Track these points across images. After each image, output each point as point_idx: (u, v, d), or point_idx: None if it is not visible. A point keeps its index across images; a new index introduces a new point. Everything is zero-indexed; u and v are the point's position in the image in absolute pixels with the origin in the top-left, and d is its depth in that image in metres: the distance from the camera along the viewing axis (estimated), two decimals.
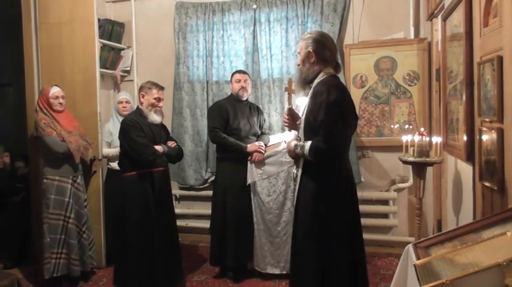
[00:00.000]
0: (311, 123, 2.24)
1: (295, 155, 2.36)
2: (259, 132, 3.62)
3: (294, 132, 2.52)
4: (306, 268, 2.25)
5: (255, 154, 3.35)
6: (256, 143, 3.42)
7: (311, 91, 2.30)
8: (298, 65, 2.41)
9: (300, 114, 2.42)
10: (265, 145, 3.50)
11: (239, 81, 3.51)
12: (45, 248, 3.23)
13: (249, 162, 3.39)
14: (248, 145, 3.37)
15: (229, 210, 3.36)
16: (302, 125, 2.34)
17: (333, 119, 2.14)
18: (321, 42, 2.31)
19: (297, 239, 2.34)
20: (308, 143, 2.22)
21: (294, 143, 2.35)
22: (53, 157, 3.23)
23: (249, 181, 3.38)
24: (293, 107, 2.51)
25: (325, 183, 2.24)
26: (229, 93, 3.69)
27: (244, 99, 3.57)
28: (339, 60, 2.74)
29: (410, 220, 3.95)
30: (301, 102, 3.27)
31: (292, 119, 2.48)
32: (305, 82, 2.37)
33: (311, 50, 2.29)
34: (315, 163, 2.23)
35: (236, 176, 3.39)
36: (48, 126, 3.20)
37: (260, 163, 3.37)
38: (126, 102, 3.89)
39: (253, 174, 3.38)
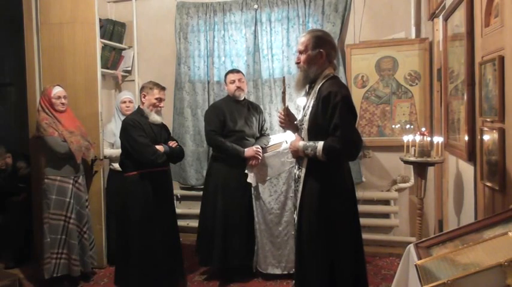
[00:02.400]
0: (319, 125, 2.20)
1: (303, 155, 2.27)
2: (258, 134, 3.57)
3: (291, 132, 2.50)
4: (312, 268, 2.24)
5: (251, 160, 3.34)
6: (254, 147, 3.37)
7: (316, 92, 2.25)
8: (298, 62, 2.34)
9: (301, 115, 2.40)
10: (265, 145, 3.50)
11: (233, 81, 3.45)
12: (45, 248, 3.23)
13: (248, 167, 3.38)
14: (245, 150, 3.33)
15: (219, 210, 3.34)
16: (305, 126, 2.29)
17: (349, 119, 2.14)
18: (330, 43, 2.30)
19: (301, 239, 2.33)
20: (320, 144, 2.16)
21: (302, 143, 2.27)
22: (54, 157, 3.24)
23: (255, 183, 3.37)
24: (295, 108, 2.51)
25: (330, 183, 2.23)
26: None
27: (242, 98, 3.52)
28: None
29: (412, 220, 3.94)
30: (302, 102, 3.28)
31: (288, 119, 2.46)
32: (309, 82, 2.34)
33: (322, 51, 2.25)
34: (320, 162, 2.21)
35: (229, 176, 3.37)
36: (49, 127, 3.20)
37: (262, 165, 3.37)
38: (130, 102, 3.88)
39: (257, 176, 3.37)
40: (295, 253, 2.44)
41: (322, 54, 2.25)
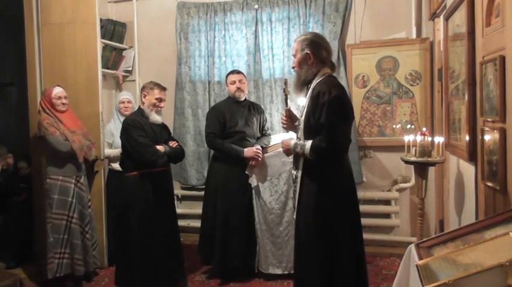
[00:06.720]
0: (311, 124, 2.24)
1: (294, 153, 2.37)
2: (259, 134, 3.57)
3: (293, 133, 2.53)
4: (311, 268, 2.25)
5: (251, 160, 3.34)
6: (254, 147, 3.37)
7: (310, 92, 2.30)
8: (293, 67, 2.41)
9: (299, 115, 2.43)
10: (266, 145, 3.49)
11: (234, 82, 3.46)
12: (48, 248, 3.23)
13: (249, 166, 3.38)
14: (245, 150, 3.34)
15: (219, 210, 3.34)
16: (301, 126, 2.34)
17: (335, 119, 2.15)
18: (317, 43, 2.32)
19: (300, 240, 2.34)
20: (309, 142, 2.22)
21: (293, 141, 2.36)
22: (56, 157, 3.24)
23: (255, 183, 3.37)
24: (296, 108, 2.52)
25: (327, 183, 2.24)
26: None
27: (242, 99, 3.52)
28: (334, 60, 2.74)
29: (413, 220, 3.94)
30: (303, 103, 3.29)
31: (290, 120, 2.49)
32: (303, 84, 2.38)
33: (308, 52, 2.30)
34: (316, 163, 2.23)
35: (229, 177, 3.37)
36: (51, 126, 3.21)
37: (262, 165, 3.37)
38: (128, 102, 3.88)
39: (257, 176, 3.37)
40: (294, 254, 2.44)
41: (309, 55, 2.30)
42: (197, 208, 4.43)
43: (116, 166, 3.57)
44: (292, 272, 3.23)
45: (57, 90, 3.30)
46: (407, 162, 2.97)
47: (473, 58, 2.37)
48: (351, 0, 3.96)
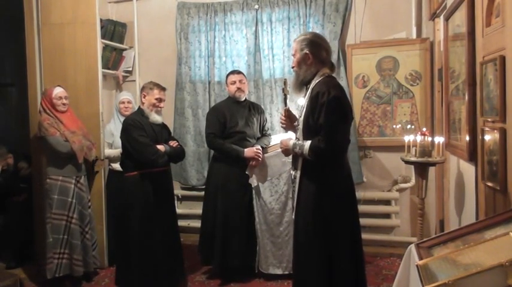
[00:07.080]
0: (310, 124, 2.24)
1: (293, 153, 2.36)
2: (259, 134, 3.57)
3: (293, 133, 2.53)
4: (310, 268, 2.25)
5: (251, 161, 3.35)
6: (254, 148, 3.37)
7: (309, 92, 2.30)
8: (293, 67, 2.41)
9: (298, 115, 2.42)
10: (266, 145, 3.49)
11: (234, 82, 3.46)
12: (47, 248, 3.24)
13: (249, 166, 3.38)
14: (245, 150, 3.34)
15: (219, 210, 3.34)
16: (300, 126, 2.33)
17: (334, 119, 2.15)
18: (317, 43, 2.32)
19: (299, 240, 2.34)
20: (308, 143, 2.22)
21: (292, 141, 2.35)
22: (57, 157, 3.24)
23: (255, 183, 3.37)
24: (295, 108, 2.52)
25: (326, 183, 2.24)
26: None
27: (242, 99, 3.53)
28: (334, 61, 2.74)
29: (413, 220, 3.94)
30: (302, 103, 3.29)
31: (289, 121, 2.49)
32: (302, 84, 2.38)
33: (308, 52, 2.29)
34: (315, 163, 2.23)
35: (229, 177, 3.37)
36: (51, 127, 3.22)
37: (262, 165, 3.37)
38: (128, 102, 3.89)
39: (257, 177, 3.37)
40: (293, 254, 2.44)
41: (308, 55, 2.29)
42: (197, 208, 4.43)
43: (116, 166, 3.57)
44: (292, 272, 3.25)
45: (58, 91, 3.31)
46: (407, 162, 2.97)
47: (473, 58, 2.37)
48: (351, 0, 3.96)
